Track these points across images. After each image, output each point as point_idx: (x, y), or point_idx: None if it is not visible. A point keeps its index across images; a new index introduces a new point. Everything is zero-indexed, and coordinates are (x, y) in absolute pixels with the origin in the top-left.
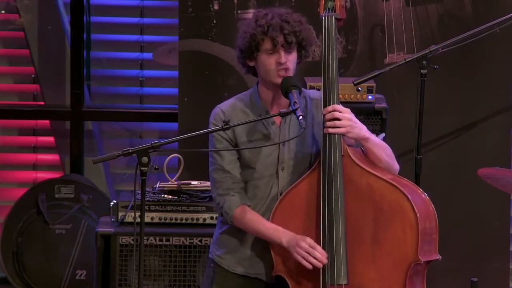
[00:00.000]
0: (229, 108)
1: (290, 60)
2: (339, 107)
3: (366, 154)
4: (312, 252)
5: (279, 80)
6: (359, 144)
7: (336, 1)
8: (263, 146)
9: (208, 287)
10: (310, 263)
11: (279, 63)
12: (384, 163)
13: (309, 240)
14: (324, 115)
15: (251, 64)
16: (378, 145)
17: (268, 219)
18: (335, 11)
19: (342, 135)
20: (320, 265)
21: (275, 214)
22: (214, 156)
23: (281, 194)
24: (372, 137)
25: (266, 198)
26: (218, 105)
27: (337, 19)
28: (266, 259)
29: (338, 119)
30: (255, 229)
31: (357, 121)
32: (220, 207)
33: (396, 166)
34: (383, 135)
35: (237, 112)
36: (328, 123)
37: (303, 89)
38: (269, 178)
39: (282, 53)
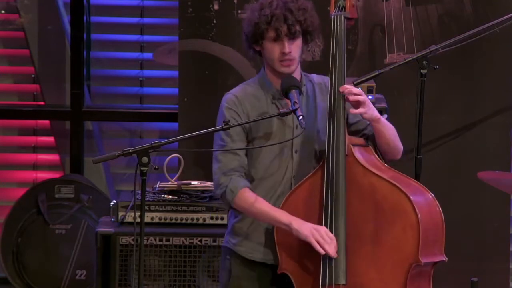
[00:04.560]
0: (240, 92)
1: (294, 48)
2: (354, 88)
3: (375, 138)
4: (329, 242)
5: (282, 69)
6: (366, 133)
7: (346, 0)
8: (263, 146)
9: (226, 279)
10: (324, 249)
11: (283, 53)
12: (391, 143)
13: (328, 231)
14: (343, 100)
15: (257, 48)
16: (387, 125)
17: (279, 207)
18: (345, 10)
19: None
20: (333, 254)
21: None
22: (223, 138)
23: (294, 178)
24: (382, 118)
25: (280, 183)
26: (229, 92)
27: (348, 19)
28: None
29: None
30: (260, 208)
31: (370, 102)
32: (224, 186)
33: (401, 146)
34: (385, 116)
35: (249, 96)
36: (354, 99)
37: (306, 73)
38: (282, 161)
39: (286, 43)
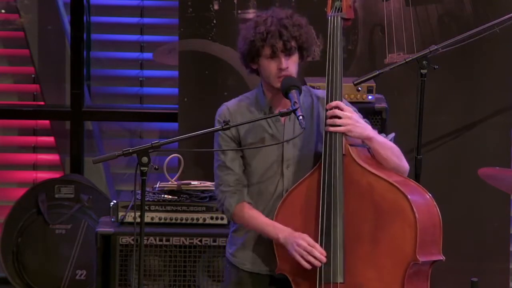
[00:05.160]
0: (235, 106)
1: (291, 64)
2: (342, 105)
3: (372, 154)
4: (311, 251)
5: (280, 86)
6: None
7: (343, 1)
8: (262, 146)
9: (226, 284)
10: (308, 261)
11: (280, 69)
12: (391, 163)
13: (308, 238)
14: (326, 113)
15: (254, 67)
16: (383, 144)
17: (272, 219)
18: (341, 11)
19: (344, 134)
20: (318, 264)
21: (277, 214)
22: (218, 153)
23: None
24: (377, 136)
25: (272, 196)
26: (225, 103)
27: (345, 19)
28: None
29: (339, 117)
30: (254, 224)
31: (360, 120)
32: (221, 204)
33: (405, 166)
34: (392, 135)
35: (242, 110)
36: (329, 121)
37: (310, 88)
38: (274, 176)
39: (282, 59)
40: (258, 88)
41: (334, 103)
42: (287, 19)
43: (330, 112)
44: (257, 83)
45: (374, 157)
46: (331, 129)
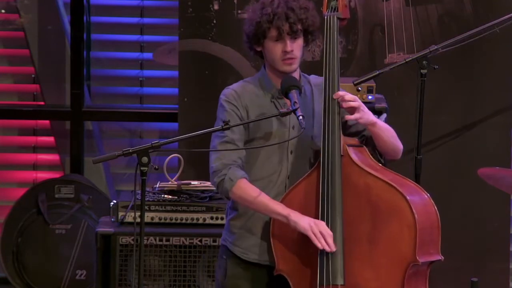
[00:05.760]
0: (240, 88)
1: (296, 47)
2: (352, 96)
3: (373, 139)
4: (325, 236)
5: (284, 68)
6: (366, 135)
7: (339, 0)
8: (264, 146)
9: (222, 277)
10: (322, 244)
11: (285, 52)
12: (390, 145)
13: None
14: (338, 103)
15: (258, 49)
16: (384, 128)
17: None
18: (337, 11)
19: (341, 131)
20: (328, 249)
21: None
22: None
23: (288, 178)
24: (379, 121)
25: (275, 182)
26: (228, 86)
27: (340, 19)
28: None
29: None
30: (260, 200)
31: (365, 107)
32: (223, 174)
33: (400, 145)
34: (384, 115)
35: (248, 92)
36: (347, 105)
37: (305, 74)
38: (278, 161)
39: (288, 41)
40: (261, 73)
41: (349, 97)
42: (294, 2)
43: (346, 105)
44: None
45: (371, 157)
46: (351, 117)
